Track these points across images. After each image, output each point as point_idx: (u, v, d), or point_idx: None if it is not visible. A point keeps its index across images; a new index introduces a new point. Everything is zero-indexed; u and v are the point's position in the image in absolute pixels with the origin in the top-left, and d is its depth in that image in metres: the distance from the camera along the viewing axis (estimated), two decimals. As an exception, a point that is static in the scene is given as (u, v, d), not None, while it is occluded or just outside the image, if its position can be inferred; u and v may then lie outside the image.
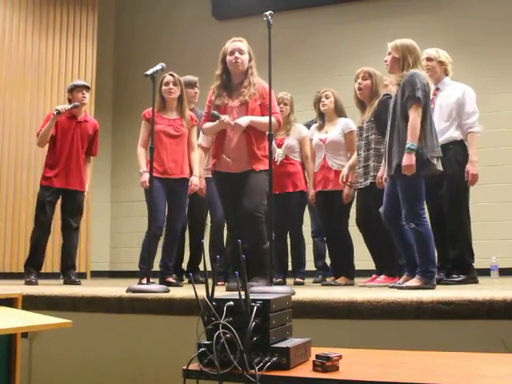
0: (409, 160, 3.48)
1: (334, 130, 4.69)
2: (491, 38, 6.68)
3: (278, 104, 4.75)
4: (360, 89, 4.35)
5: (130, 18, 8.45)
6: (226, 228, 4.57)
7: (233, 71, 3.86)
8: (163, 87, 4.57)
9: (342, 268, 4.60)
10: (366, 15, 7.25)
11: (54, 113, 4.86)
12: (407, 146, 3.49)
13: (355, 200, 4.56)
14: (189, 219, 5.24)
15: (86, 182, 5.16)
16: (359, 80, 4.35)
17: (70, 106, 4.95)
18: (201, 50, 7.32)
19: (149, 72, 3.83)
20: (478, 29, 6.74)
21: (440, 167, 3.64)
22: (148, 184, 4.17)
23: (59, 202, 5.10)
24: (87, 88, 5.12)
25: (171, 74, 4.58)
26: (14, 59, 6.85)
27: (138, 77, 4.20)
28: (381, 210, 3.84)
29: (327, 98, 4.72)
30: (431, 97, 4.31)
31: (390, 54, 3.74)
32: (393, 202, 3.66)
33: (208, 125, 3.89)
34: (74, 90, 5.08)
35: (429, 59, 4.36)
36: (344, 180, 4.52)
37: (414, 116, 3.53)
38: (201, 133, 4.87)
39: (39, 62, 7.07)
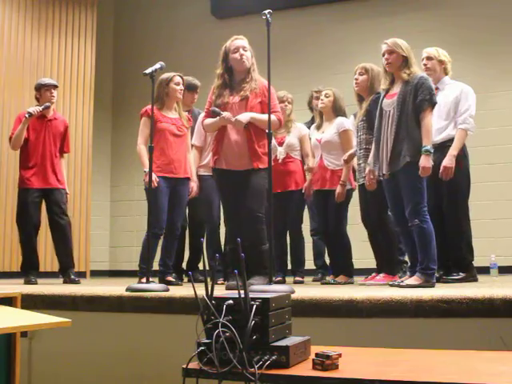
0: (427, 162, 3.55)
1: (330, 130, 4.69)
2: (491, 36, 6.67)
3: (282, 102, 4.79)
4: (357, 83, 4.38)
5: (129, 17, 8.44)
6: (222, 226, 4.57)
7: (237, 68, 3.85)
8: (174, 86, 4.55)
9: (342, 266, 4.60)
10: (364, 13, 7.24)
11: (26, 115, 4.84)
12: (425, 148, 3.56)
13: (358, 197, 4.56)
14: (188, 219, 5.25)
15: (64, 180, 5.14)
16: (356, 76, 4.39)
17: (41, 108, 4.92)
18: (200, 49, 7.32)
19: (148, 71, 3.83)
20: (478, 27, 6.73)
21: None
22: (156, 184, 4.23)
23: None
24: (55, 86, 5.10)
25: (180, 76, 4.59)
26: (12, 58, 6.84)
27: (138, 75, 4.19)
28: (389, 212, 3.86)
29: (327, 97, 4.71)
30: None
31: (391, 52, 3.75)
32: (399, 202, 3.67)
33: (208, 121, 3.88)
34: (41, 88, 5.05)
35: (429, 58, 4.36)
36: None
37: (429, 119, 3.63)
38: (195, 132, 4.89)
39: (38, 61, 7.06)
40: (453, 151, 4.15)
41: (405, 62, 3.73)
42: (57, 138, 5.08)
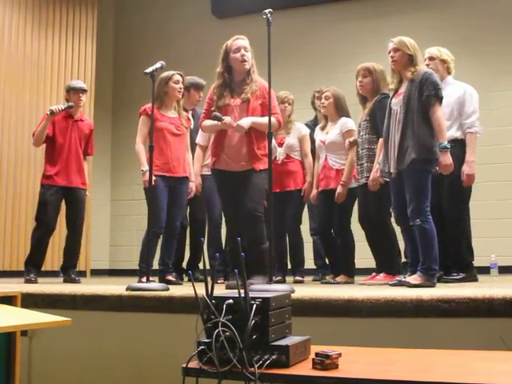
0: (447, 159, 3.60)
1: (334, 131, 4.68)
2: (491, 36, 6.67)
3: (283, 103, 4.80)
4: (362, 86, 4.35)
5: (129, 17, 8.43)
6: (223, 226, 4.57)
7: (238, 69, 3.84)
8: (173, 85, 4.53)
9: (342, 266, 4.60)
10: (364, 13, 7.24)
11: (48, 113, 4.89)
12: (442, 145, 3.59)
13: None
14: (189, 218, 5.24)
15: (87, 181, 5.18)
16: (360, 78, 4.35)
17: (64, 107, 4.96)
18: (200, 48, 7.31)
19: (148, 70, 3.83)
20: (478, 27, 6.73)
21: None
22: (152, 182, 4.21)
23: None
24: (84, 91, 5.13)
25: (180, 74, 4.58)
26: (13, 57, 6.83)
27: (138, 75, 4.19)
28: (391, 209, 3.85)
29: (327, 100, 4.69)
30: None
31: (397, 50, 3.75)
32: (402, 200, 3.67)
33: (208, 123, 3.88)
34: (70, 91, 5.10)
35: (431, 58, 4.35)
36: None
37: (440, 114, 3.63)
38: (199, 132, 4.88)
39: (39, 61, 7.05)
40: (470, 157, 4.19)
41: (410, 60, 3.73)
42: (82, 139, 5.11)
